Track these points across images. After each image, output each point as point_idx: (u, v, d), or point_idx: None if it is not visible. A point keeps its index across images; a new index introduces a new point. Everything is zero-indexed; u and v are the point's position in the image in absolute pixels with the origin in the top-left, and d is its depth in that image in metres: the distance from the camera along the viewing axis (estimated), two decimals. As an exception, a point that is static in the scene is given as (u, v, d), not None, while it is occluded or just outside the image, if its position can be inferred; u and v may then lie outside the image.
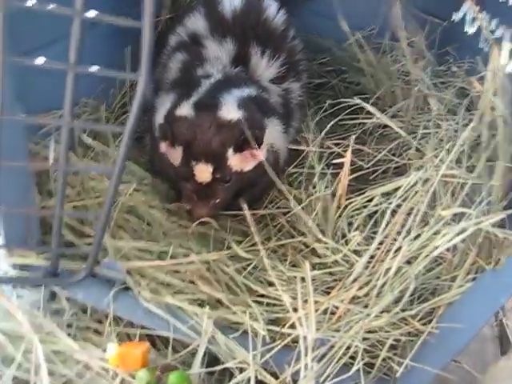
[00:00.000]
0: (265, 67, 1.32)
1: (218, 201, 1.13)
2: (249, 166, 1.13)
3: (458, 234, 0.83)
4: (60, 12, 0.66)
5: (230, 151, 1.09)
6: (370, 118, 1.19)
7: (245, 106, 1.14)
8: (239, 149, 1.10)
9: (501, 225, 0.92)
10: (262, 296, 0.97)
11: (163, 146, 1.13)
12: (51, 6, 0.66)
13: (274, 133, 1.20)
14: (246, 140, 1.07)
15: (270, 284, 0.99)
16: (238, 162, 1.11)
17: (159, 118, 1.19)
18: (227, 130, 1.09)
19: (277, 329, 0.90)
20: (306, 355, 0.78)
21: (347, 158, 0.97)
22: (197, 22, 1.36)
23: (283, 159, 1.26)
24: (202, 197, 1.12)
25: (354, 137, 1.02)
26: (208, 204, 1.12)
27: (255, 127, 1.09)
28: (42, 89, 0.98)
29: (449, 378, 0.87)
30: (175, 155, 1.12)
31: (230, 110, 1.12)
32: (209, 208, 1.13)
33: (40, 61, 0.69)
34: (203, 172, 1.09)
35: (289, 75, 1.37)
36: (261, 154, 1.11)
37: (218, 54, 1.29)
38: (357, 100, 1.10)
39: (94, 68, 0.70)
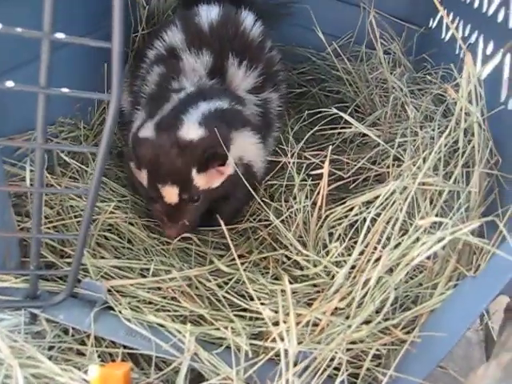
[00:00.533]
0: (242, 78, 1.32)
1: (187, 221, 1.12)
2: (216, 183, 1.13)
3: (438, 242, 0.83)
4: (29, 35, 0.66)
5: (194, 171, 1.08)
6: (350, 127, 1.20)
7: (206, 122, 1.12)
8: (203, 168, 1.09)
9: (480, 231, 0.92)
10: (245, 310, 0.97)
11: (132, 167, 1.14)
12: (19, 30, 0.66)
13: (244, 145, 1.19)
14: (209, 158, 1.07)
15: (252, 298, 0.99)
16: (204, 180, 1.10)
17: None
18: (189, 150, 1.07)
19: (260, 343, 0.89)
20: (287, 370, 0.77)
21: (325, 169, 0.97)
22: (174, 36, 1.37)
23: (260, 171, 1.26)
24: (172, 217, 1.11)
25: (330, 148, 1.01)
26: (178, 224, 1.12)
27: (216, 144, 1.07)
28: (16, 110, 0.97)
29: (435, 384, 0.87)
30: (142, 177, 1.11)
31: (190, 129, 1.10)
32: (179, 229, 1.12)
33: (10, 84, 0.69)
34: (170, 194, 1.09)
35: (267, 85, 1.37)
36: (228, 169, 1.11)
37: (195, 67, 1.29)
38: (334, 110, 1.10)
39: (65, 90, 0.70)
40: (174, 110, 1.15)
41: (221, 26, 1.36)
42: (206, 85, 1.26)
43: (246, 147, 1.19)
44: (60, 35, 0.67)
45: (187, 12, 1.45)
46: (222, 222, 0.98)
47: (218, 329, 0.91)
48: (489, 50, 1.23)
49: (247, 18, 1.41)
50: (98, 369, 0.83)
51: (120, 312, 0.91)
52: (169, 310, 0.95)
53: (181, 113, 1.13)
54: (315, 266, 1.01)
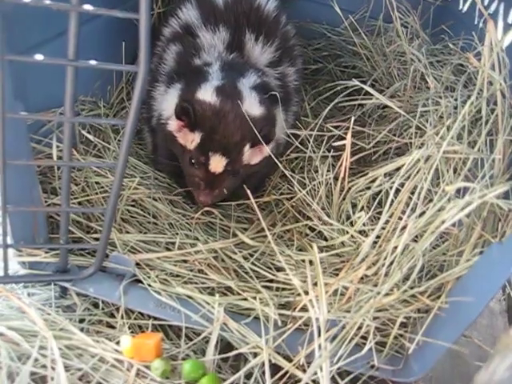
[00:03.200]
0: (259, 52, 1.32)
1: (223, 190, 1.13)
2: (256, 160, 1.14)
3: (463, 209, 0.83)
4: (57, 7, 0.67)
5: (247, 147, 1.10)
6: (369, 100, 1.19)
7: (264, 101, 1.14)
8: (255, 144, 1.10)
9: (505, 198, 0.92)
10: (271, 281, 0.98)
11: (175, 125, 1.11)
12: (48, 2, 0.67)
13: (278, 123, 1.20)
14: (265, 136, 1.08)
15: (278, 269, 1.00)
16: (249, 156, 1.12)
17: (164, 106, 1.17)
18: (249, 125, 1.07)
19: (288, 312, 0.91)
20: (319, 336, 0.78)
21: (348, 140, 0.97)
22: (189, 13, 1.36)
23: (282, 145, 1.27)
24: (210, 185, 1.11)
25: (353, 118, 1.01)
26: (213, 192, 1.12)
27: (272, 125, 1.11)
28: (39, 88, 0.98)
29: (460, 352, 0.88)
30: (190, 139, 1.10)
31: (252, 104, 1.11)
32: (214, 196, 1.13)
33: (39, 57, 0.69)
34: (218, 162, 1.08)
35: (283, 60, 1.36)
36: (267, 149, 1.12)
37: (213, 43, 1.29)
38: (355, 81, 1.09)
39: (93, 62, 0.71)
40: (227, 80, 1.14)
41: (236, 2, 1.34)
42: (229, 59, 1.26)
43: (278, 125, 1.20)
44: (88, 7, 0.67)
45: None
46: (250, 195, 0.98)
47: (245, 299, 0.93)
48: (510, 19, 1.22)
49: None
50: (130, 339, 0.85)
51: (149, 285, 0.92)
52: (196, 283, 0.96)
53: (237, 84, 1.14)
54: (340, 235, 1.02)
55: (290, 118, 1.36)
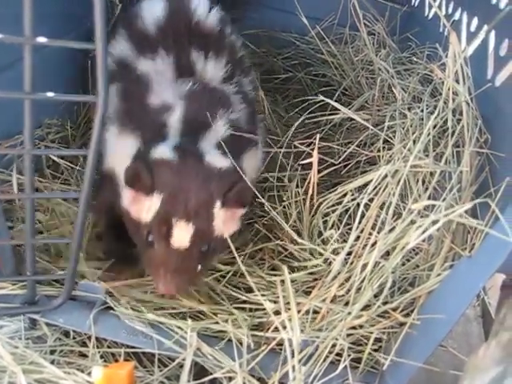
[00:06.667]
0: (212, 70, 1.18)
1: (192, 275, 0.92)
2: (230, 230, 0.96)
3: (432, 225, 0.83)
4: (10, 41, 0.65)
5: (218, 206, 0.91)
6: (338, 112, 1.19)
7: (224, 149, 0.96)
8: (226, 203, 0.92)
9: (473, 210, 0.92)
10: (245, 302, 0.97)
11: (127, 197, 0.93)
12: (0, 36, 0.65)
13: (252, 163, 1.07)
14: (236, 194, 0.92)
15: (251, 290, 0.99)
16: (222, 222, 0.93)
17: (116, 160, 1.00)
18: (217, 180, 0.92)
19: (261, 334, 0.90)
20: (292, 357, 0.78)
21: (314, 158, 0.96)
22: (121, 47, 1.20)
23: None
24: (173, 269, 0.88)
25: (318, 136, 1.00)
26: (179, 278, 0.89)
27: (243, 181, 0.93)
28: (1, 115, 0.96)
29: (435, 362, 0.88)
30: (146, 207, 0.91)
31: (213, 156, 0.95)
32: (180, 284, 0.90)
33: (-6, 92, 0.68)
34: (183, 233, 0.88)
35: (236, 72, 1.24)
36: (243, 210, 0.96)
37: (160, 70, 1.13)
38: (321, 97, 1.09)
39: (50, 94, 0.69)
40: (184, 132, 0.98)
41: (170, 21, 1.20)
42: (189, 91, 1.07)
43: (253, 164, 1.09)
44: (42, 39, 0.66)
45: (128, 14, 1.29)
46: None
47: (217, 322, 0.92)
48: (473, 27, 1.23)
49: (199, 6, 1.25)
50: (102, 370, 0.83)
51: (120, 312, 0.91)
52: (167, 309, 0.95)
53: (196, 137, 0.98)
54: (311, 254, 1.01)
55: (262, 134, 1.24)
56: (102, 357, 0.91)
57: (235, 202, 0.93)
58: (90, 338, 0.92)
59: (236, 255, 0.91)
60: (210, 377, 0.87)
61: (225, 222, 0.93)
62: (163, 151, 0.93)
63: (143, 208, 0.91)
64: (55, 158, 1.14)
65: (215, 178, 0.91)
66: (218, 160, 0.95)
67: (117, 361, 0.92)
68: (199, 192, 0.90)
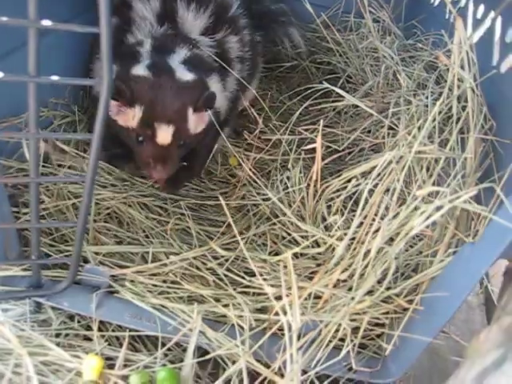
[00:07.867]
0: (192, 20, 1.31)
1: (175, 163, 1.14)
2: (200, 128, 1.17)
3: (436, 211, 0.83)
4: (15, 24, 0.65)
5: (190, 111, 1.12)
6: (342, 99, 1.19)
7: (192, 67, 1.17)
8: (198, 109, 1.13)
9: (477, 196, 0.92)
10: (248, 287, 0.98)
11: (112, 109, 1.11)
12: (5, 19, 0.65)
13: (214, 90, 1.21)
14: (204, 100, 1.12)
15: (254, 274, 0.99)
16: (194, 124, 1.14)
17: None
18: (187, 90, 1.12)
19: (265, 316, 0.90)
20: (291, 344, 0.78)
21: (318, 144, 0.96)
22: None
23: (223, 115, 1.31)
24: (161, 160, 1.11)
25: (322, 121, 1.01)
26: (166, 167, 1.12)
27: (207, 89, 1.14)
28: (7, 94, 0.96)
29: (438, 348, 0.88)
30: (131, 115, 1.10)
31: (182, 73, 1.14)
32: (166, 171, 1.13)
33: (-1, 74, 0.68)
34: (165, 133, 1.09)
35: (219, 27, 1.35)
36: (207, 117, 1.17)
37: (145, 14, 1.29)
38: (325, 84, 1.09)
39: (55, 77, 0.69)
40: (155, 57, 1.17)
41: None
42: (160, 34, 1.26)
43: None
44: (46, 22, 0.66)
45: None
46: (221, 199, 0.97)
47: (223, 305, 0.92)
48: (479, 14, 1.22)
49: None
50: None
51: (125, 295, 0.91)
52: (170, 293, 0.96)
53: (164, 59, 1.16)
54: (314, 239, 1.01)
55: (231, 85, 1.36)
56: (106, 340, 0.92)
57: (203, 107, 1.14)
58: (95, 321, 0.93)
59: (239, 239, 0.91)
60: (213, 354, 0.87)
61: (195, 122, 1.15)
62: (139, 70, 1.13)
63: (129, 117, 1.11)
64: (62, 146, 1.14)
65: (186, 89, 1.12)
66: (185, 74, 1.15)
67: (121, 344, 0.93)
68: (175, 100, 1.10)
